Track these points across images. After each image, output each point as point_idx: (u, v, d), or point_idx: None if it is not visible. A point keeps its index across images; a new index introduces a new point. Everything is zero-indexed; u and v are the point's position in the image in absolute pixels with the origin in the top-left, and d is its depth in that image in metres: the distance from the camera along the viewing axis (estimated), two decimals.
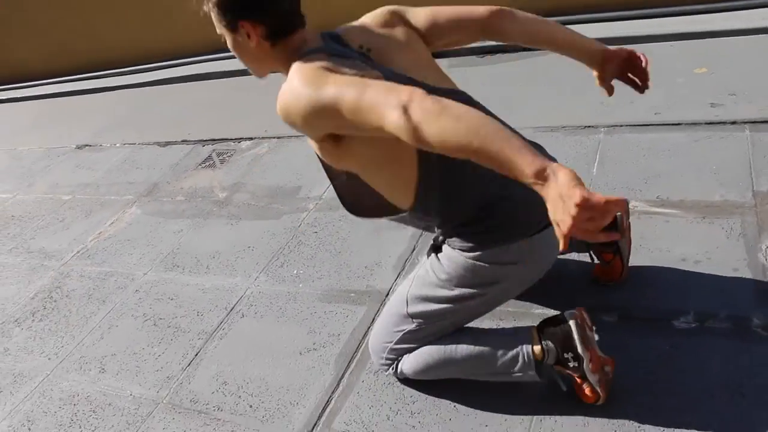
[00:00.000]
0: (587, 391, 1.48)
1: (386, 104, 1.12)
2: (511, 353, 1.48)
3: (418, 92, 1.11)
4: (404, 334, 1.58)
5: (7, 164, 4.29)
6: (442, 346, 1.56)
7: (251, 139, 3.42)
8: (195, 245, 2.68)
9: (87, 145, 4.14)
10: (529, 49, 3.36)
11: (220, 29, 1.38)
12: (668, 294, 1.73)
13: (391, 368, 1.66)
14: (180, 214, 2.94)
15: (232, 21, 1.33)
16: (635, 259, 1.86)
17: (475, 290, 1.48)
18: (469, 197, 1.43)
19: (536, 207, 1.18)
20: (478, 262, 1.44)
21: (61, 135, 4.47)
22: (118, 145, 3.98)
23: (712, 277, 1.74)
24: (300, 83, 1.24)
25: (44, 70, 5.70)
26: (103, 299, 2.54)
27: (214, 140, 3.56)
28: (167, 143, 3.74)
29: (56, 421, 2.01)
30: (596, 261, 1.78)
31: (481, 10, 1.50)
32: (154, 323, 2.31)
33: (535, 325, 1.52)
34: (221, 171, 3.23)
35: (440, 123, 1.07)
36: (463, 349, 1.54)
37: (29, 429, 2.02)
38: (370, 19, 1.46)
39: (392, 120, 1.11)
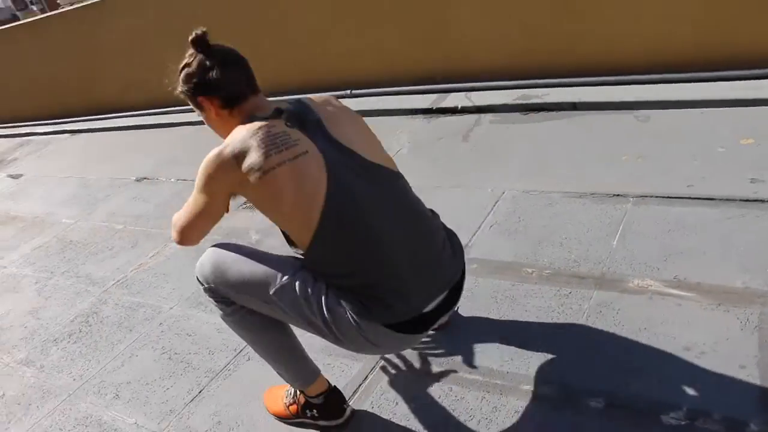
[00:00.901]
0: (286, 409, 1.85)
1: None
2: (289, 375, 1.77)
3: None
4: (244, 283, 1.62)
5: (77, 191, 4.58)
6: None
7: None
8: None
9: (145, 178, 4.36)
10: (575, 109, 3.34)
11: (194, 109, 1.64)
12: (663, 384, 1.64)
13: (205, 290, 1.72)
14: None
15: (194, 100, 1.61)
16: (636, 342, 1.80)
17: (319, 317, 1.54)
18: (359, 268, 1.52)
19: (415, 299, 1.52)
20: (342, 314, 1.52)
21: (126, 166, 4.73)
22: (172, 180, 4.18)
23: (714, 371, 1.64)
24: (212, 155, 1.52)
25: (118, 104, 6.09)
26: (130, 328, 2.65)
27: None
28: None
29: None
30: None
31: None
32: (170, 357, 2.39)
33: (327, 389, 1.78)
34: (259, 215, 3.32)
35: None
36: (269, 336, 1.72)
37: None
38: (327, 96, 1.67)
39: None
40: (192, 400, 2.13)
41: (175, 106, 5.53)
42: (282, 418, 1.90)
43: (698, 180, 2.46)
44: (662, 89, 3.13)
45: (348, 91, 4.56)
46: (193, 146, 4.76)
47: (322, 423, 1.82)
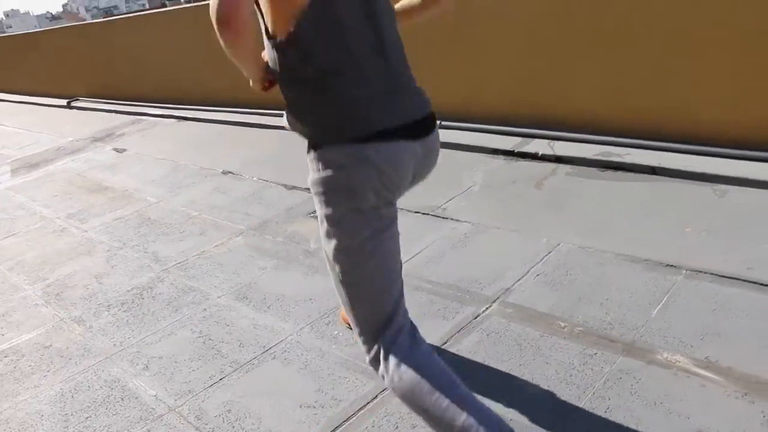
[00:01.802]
0: None
1: None
2: None
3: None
4: (339, 286, 1.58)
5: (167, 173, 4.87)
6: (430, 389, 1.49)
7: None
8: (269, 284, 2.88)
9: (230, 173, 4.58)
10: (654, 173, 3.24)
11: None
12: None
13: (376, 365, 1.58)
14: (272, 254, 3.16)
15: None
16: (649, 414, 1.73)
17: (330, 219, 1.50)
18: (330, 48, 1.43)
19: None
20: (321, 176, 1.47)
21: (217, 158, 4.99)
22: (255, 178, 4.37)
23: None
24: None
25: (229, 98, 6.43)
26: (177, 308, 2.80)
27: None
28: (293, 187, 4.05)
29: (92, 397, 2.27)
30: None
31: None
32: (204, 342, 2.50)
33: None
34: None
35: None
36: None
37: (72, 397, 2.30)
38: None
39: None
40: (211, 385, 2.23)
41: (277, 109, 5.77)
42: None
43: (761, 264, 2.34)
44: (746, 166, 2.99)
45: (438, 122, 4.62)
46: (281, 150, 4.96)
47: None
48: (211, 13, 1.30)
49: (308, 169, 1.52)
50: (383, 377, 1.55)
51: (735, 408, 1.72)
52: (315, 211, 2.54)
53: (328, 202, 1.50)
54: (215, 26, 1.32)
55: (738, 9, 3.09)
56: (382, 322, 1.57)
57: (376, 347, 1.57)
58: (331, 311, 2.55)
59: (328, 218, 1.52)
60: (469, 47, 4.39)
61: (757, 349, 1.93)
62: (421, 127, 1.54)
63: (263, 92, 1.64)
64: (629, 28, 3.53)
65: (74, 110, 8.74)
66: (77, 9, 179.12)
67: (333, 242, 1.53)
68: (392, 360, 1.53)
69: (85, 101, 8.83)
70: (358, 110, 1.45)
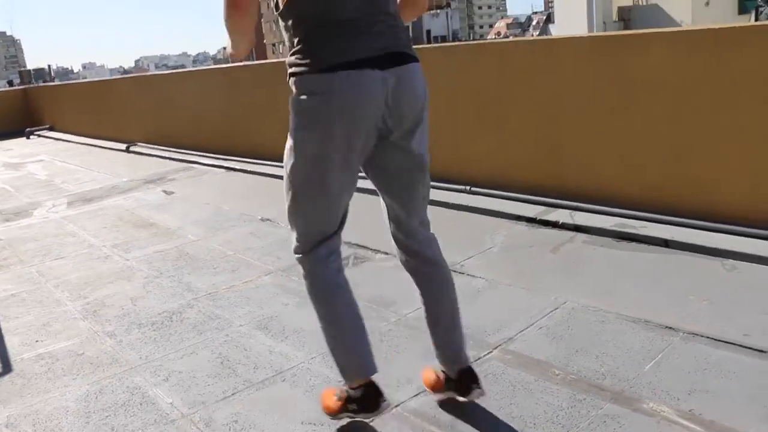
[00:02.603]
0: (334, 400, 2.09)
1: None
2: (340, 366, 2.04)
3: None
4: (287, 195, 1.94)
5: (209, 216, 5.16)
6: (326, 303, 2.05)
7: (386, 253, 3.78)
8: (289, 318, 3.05)
9: (268, 220, 4.84)
10: (667, 245, 3.36)
11: None
12: None
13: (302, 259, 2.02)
14: (296, 292, 3.35)
15: None
16: None
17: (293, 135, 1.83)
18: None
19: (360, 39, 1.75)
20: (295, 95, 1.79)
21: (257, 207, 5.27)
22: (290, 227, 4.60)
23: None
24: None
25: (274, 153, 6.78)
26: (201, 332, 2.99)
27: (358, 245, 3.98)
28: None
29: (114, 400, 2.45)
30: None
31: None
32: (221, 362, 2.68)
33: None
34: (348, 271, 3.58)
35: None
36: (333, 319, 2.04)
37: (96, 398, 2.49)
38: None
39: None
40: (223, 398, 2.39)
41: None
42: (333, 414, 2.10)
43: (758, 333, 2.42)
44: (756, 243, 3.09)
45: (467, 188, 4.82)
46: None
47: (360, 417, 2.04)
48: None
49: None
50: (309, 266, 2.01)
51: None
52: (344, 261, 2.85)
53: (295, 121, 1.83)
54: (224, 5, 1.76)
55: (757, 96, 3.27)
56: (318, 239, 1.97)
57: (308, 252, 1.99)
58: None
59: (292, 133, 1.85)
60: (498, 121, 4.64)
61: (740, 407, 2.01)
62: (389, 58, 1.79)
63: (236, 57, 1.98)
64: (651, 109, 3.72)
65: (132, 154, 9.26)
66: (148, 65, 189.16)
67: (291, 158, 1.87)
68: (318, 267, 2.00)
69: (142, 146, 9.36)
70: (329, 47, 1.76)
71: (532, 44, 4.73)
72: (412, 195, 2.01)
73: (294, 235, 2.01)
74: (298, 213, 1.95)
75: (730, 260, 3.08)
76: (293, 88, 1.82)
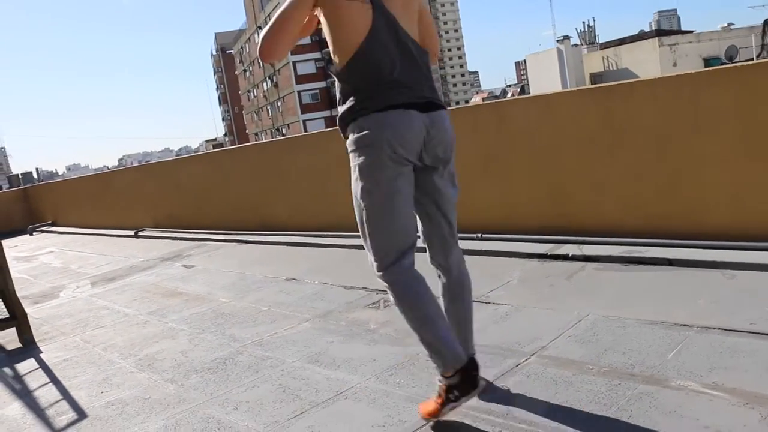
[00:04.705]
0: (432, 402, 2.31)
1: None
2: (435, 357, 2.27)
3: None
4: (361, 222, 2.29)
5: (235, 281, 5.45)
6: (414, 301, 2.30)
7: None
8: (337, 352, 3.33)
9: (294, 279, 5.14)
10: (670, 264, 3.70)
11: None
12: None
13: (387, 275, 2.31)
14: (337, 332, 3.63)
15: None
16: (662, 420, 2.11)
17: (356, 166, 2.21)
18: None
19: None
20: (354, 135, 2.20)
21: (279, 270, 5.58)
22: (316, 282, 4.92)
23: None
24: None
25: (288, 223, 7.16)
26: (257, 370, 3.25)
27: (386, 291, 4.29)
28: (351, 287, 4.57)
29: (192, 428, 2.70)
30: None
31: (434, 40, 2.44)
32: (284, 391, 2.94)
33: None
34: (381, 312, 3.92)
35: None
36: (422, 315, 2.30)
37: (174, 428, 2.73)
38: None
39: None
40: (294, 417, 2.64)
41: (329, 231, 6.45)
42: (434, 415, 2.31)
43: (763, 321, 2.75)
44: (750, 254, 3.46)
45: (479, 235, 5.18)
46: (337, 261, 5.54)
47: (462, 401, 2.25)
48: (258, 41, 2.18)
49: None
50: (391, 279, 2.30)
51: (737, 412, 2.10)
52: (374, 303, 3.21)
53: (357, 155, 2.21)
54: (257, 50, 2.23)
55: (729, 123, 3.72)
56: (396, 255, 2.26)
57: (390, 265, 2.28)
58: (393, 366, 2.98)
59: (357, 167, 2.21)
60: (503, 172, 5.06)
61: (758, 376, 2.31)
62: (427, 105, 2.25)
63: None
64: (642, 150, 4.16)
65: (141, 239, 9.57)
66: (131, 163, 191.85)
67: (359, 185, 2.22)
68: (402, 275, 2.30)
69: (150, 230, 9.69)
70: (383, 96, 2.19)
71: (527, 101, 5.24)
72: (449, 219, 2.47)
73: (372, 258, 2.33)
74: (375, 232, 2.27)
75: (729, 270, 3.43)
76: (352, 130, 2.23)
